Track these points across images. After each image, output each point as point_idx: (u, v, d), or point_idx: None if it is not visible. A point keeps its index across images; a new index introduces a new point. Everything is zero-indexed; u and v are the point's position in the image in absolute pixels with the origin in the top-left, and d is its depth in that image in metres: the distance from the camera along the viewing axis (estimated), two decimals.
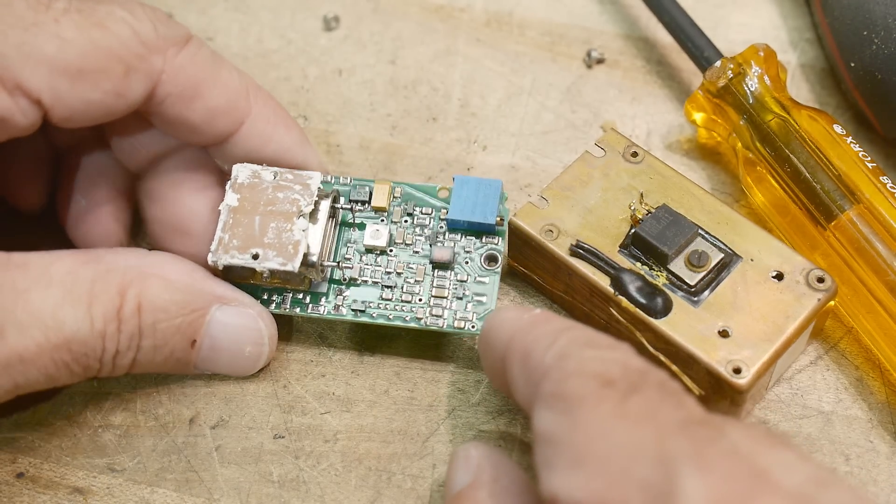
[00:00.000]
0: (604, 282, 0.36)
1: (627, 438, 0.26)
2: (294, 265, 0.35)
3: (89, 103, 0.34)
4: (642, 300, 0.35)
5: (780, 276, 0.35)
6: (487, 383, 0.37)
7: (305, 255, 0.36)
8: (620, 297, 0.35)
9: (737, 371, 0.33)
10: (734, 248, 0.36)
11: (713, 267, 0.35)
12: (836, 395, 0.37)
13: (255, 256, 0.36)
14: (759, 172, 0.39)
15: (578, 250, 0.36)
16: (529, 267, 0.38)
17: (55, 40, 0.33)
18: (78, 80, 0.33)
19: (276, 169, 0.37)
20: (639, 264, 0.36)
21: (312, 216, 0.37)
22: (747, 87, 0.40)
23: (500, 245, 0.37)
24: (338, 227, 0.38)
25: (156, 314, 0.34)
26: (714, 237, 0.36)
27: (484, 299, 0.36)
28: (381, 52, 0.46)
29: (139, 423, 0.37)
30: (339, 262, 0.37)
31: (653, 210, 0.37)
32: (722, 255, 0.36)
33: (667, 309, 0.35)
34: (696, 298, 0.35)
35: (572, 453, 0.26)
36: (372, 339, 0.38)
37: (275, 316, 0.37)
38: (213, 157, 0.39)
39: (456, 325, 0.36)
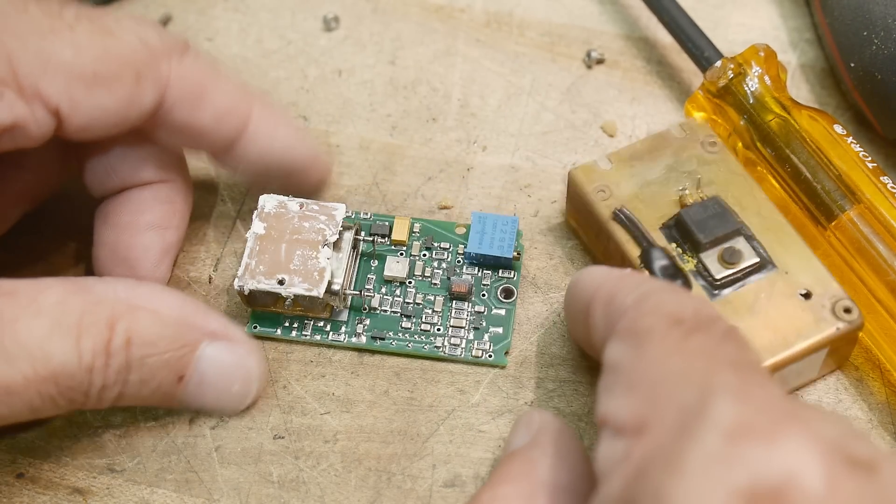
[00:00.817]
0: (634, 252, 0.36)
1: (679, 369, 0.27)
2: (319, 291, 0.36)
3: (105, 111, 0.34)
4: (663, 278, 0.35)
5: (808, 296, 0.35)
6: (487, 383, 0.37)
7: (329, 283, 0.36)
8: (644, 269, 0.35)
9: None
10: (773, 256, 0.36)
11: (744, 268, 0.35)
12: (836, 396, 0.37)
13: (281, 282, 0.36)
14: (759, 172, 0.39)
15: (620, 216, 0.37)
16: (581, 224, 0.39)
17: (71, 47, 0.33)
18: (94, 87, 0.33)
19: (301, 200, 0.38)
20: (674, 245, 0.36)
21: (336, 246, 0.37)
22: (747, 87, 0.40)
23: (516, 278, 0.38)
24: (359, 259, 0.39)
25: (144, 348, 0.32)
26: (756, 241, 0.36)
27: (501, 330, 0.37)
28: (380, 52, 0.46)
29: (139, 424, 0.36)
30: (360, 291, 0.38)
31: (705, 198, 0.37)
32: (757, 260, 0.35)
33: None
34: (716, 292, 0.35)
35: (629, 380, 0.28)
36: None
37: (297, 343, 0.37)
38: (226, 167, 0.39)
39: (473, 354, 0.37)
